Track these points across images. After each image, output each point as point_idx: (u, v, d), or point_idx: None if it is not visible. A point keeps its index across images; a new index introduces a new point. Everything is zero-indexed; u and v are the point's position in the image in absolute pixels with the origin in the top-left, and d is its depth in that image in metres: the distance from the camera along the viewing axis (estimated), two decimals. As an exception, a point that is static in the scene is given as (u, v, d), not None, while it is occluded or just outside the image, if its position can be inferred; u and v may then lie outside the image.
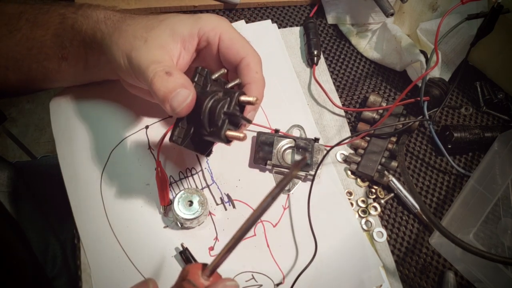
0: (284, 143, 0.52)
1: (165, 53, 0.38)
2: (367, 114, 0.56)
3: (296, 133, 0.55)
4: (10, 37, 0.43)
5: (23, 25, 0.43)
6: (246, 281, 0.46)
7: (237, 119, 0.38)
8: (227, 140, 0.38)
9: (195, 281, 0.28)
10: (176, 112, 0.36)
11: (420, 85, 0.55)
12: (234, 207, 0.49)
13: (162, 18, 0.41)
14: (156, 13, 0.63)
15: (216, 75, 0.40)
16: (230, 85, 0.41)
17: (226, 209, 0.49)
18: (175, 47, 0.39)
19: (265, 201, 0.27)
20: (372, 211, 0.52)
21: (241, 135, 0.36)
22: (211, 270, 0.29)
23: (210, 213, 0.49)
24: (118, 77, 0.45)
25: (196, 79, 0.39)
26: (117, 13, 0.42)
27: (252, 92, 0.41)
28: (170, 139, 0.39)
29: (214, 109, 0.37)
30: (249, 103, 0.38)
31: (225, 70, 0.41)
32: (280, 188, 0.27)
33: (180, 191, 0.46)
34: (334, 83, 0.61)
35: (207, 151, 0.43)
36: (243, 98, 0.38)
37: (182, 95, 0.35)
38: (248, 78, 0.41)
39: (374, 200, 0.53)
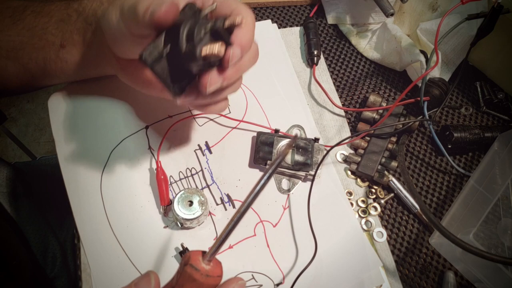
0: (284, 143, 0.52)
1: None
2: (367, 114, 0.56)
3: (296, 133, 0.55)
4: (12, 28, 0.44)
5: (28, 15, 0.44)
6: (246, 281, 0.46)
7: (220, 33, 0.34)
8: (203, 59, 0.33)
9: (197, 265, 0.29)
10: (154, 18, 0.33)
11: (420, 85, 0.55)
12: (234, 207, 0.49)
13: None
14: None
15: (207, 10, 0.36)
16: (226, 23, 0.36)
17: (226, 209, 0.49)
18: None
19: (259, 181, 0.28)
20: (372, 211, 0.52)
21: (217, 49, 0.32)
22: (211, 254, 0.30)
23: (210, 213, 0.49)
24: (116, 71, 0.45)
25: (184, 12, 0.35)
26: None
27: (242, 32, 0.37)
28: (140, 58, 0.34)
29: (196, 22, 0.34)
30: (233, 24, 0.34)
31: (215, 5, 0.37)
32: (274, 168, 0.29)
33: (180, 191, 0.46)
34: (334, 83, 0.61)
35: (176, 86, 0.37)
36: (228, 22, 0.34)
37: (161, 1, 0.33)
38: (237, 31, 0.37)
39: (374, 200, 0.53)
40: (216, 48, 0.33)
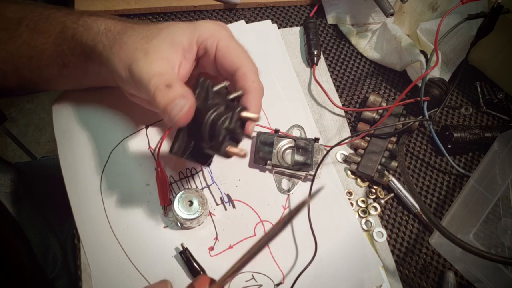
0: (284, 143, 0.52)
1: (166, 65, 0.38)
2: (367, 114, 0.56)
3: (296, 133, 0.55)
4: (10, 43, 0.43)
5: (23, 31, 0.43)
6: (246, 281, 0.46)
7: (238, 135, 0.38)
8: (227, 156, 0.38)
9: None
10: (174, 121, 0.36)
11: (420, 85, 0.55)
12: (234, 207, 0.49)
13: (162, 27, 0.40)
14: (156, 13, 0.63)
15: (218, 87, 0.40)
16: (231, 96, 0.41)
17: (226, 209, 0.49)
18: (176, 58, 0.39)
19: (276, 227, 0.28)
20: (372, 211, 0.52)
21: (242, 152, 0.37)
22: (218, 285, 0.30)
23: (210, 213, 0.49)
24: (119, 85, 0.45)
25: (197, 91, 0.39)
26: (118, 24, 0.41)
27: (251, 103, 0.41)
28: (170, 151, 0.39)
29: (215, 123, 0.37)
30: (250, 119, 0.38)
31: (228, 83, 0.41)
32: (290, 216, 0.28)
33: (180, 191, 0.46)
34: (334, 83, 0.61)
35: (207, 162, 0.43)
36: (244, 114, 0.38)
37: (179, 104, 0.36)
38: (245, 88, 0.41)
39: (374, 200, 0.53)
40: (239, 151, 0.38)
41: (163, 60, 0.38)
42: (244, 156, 0.37)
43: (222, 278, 0.30)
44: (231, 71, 0.41)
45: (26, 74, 0.45)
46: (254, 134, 0.53)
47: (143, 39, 0.39)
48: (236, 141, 0.40)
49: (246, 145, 0.53)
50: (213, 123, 0.38)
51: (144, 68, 0.37)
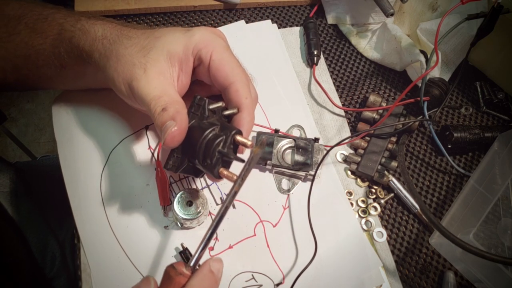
0: (284, 143, 0.52)
1: (165, 82, 0.39)
2: (367, 114, 0.56)
3: (296, 133, 0.55)
4: (9, 41, 0.43)
5: (22, 30, 0.43)
6: (246, 281, 0.46)
7: (231, 159, 0.39)
8: (219, 177, 0.39)
9: (176, 266, 0.32)
10: (164, 143, 0.37)
11: (420, 85, 0.55)
12: (234, 207, 0.49)
13: (158, 35, 0.41)
14: (156, 13, 0.63)
15: (214, 106, 0.40)
16: (226, 113, 0.41)
17: (226, 209, 0.49)
18: (174, 71, 0.40)
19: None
20: (372, 211, 0.52)
21: (234, 177, 0.37)
22: (193, 261, 0.33)
23: (210, 213, 0.49)
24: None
25: (193, 109, 0.40)
26: (114, 30, 0.41)
27: (245, 120, 0.41)
28: (165, 166, 0.40)
29: (210, 145, 0.38)
30: (244, 144, 0.39)
31: (223, 104, 0.42)
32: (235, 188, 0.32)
33: (180, 191, 0.46)
34: (334, 83, 0.61)
35: (200, 175, 0.44)
36: (238, 138, 0.39)
37: (168, 126, 0.36)
38: (238, 105, 0.41)
39: (374, 200, 0.53)
40: (231, 175, 0.38)
41: (161, 76, 0.39)
42: (234, 181, 0.38)
43: (194, 255, 0.33)
44: (224, 85, 0.42)
45: (24, 72, 0.45)
46: (254, 134, 0.53)
47: (140, 52, 0.39)
48: (227, 164, 0.41)
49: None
50: (208, 144, 0.38)
51: (144, 89, 0.38)
